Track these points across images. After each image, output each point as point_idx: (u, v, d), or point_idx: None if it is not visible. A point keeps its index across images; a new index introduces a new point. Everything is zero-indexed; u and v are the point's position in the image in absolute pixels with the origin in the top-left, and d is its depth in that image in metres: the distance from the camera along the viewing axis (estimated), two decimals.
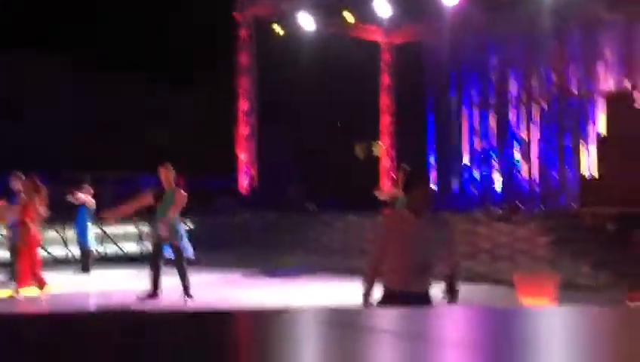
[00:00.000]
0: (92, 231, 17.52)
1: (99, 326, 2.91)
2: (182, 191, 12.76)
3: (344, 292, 14.34)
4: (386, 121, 25.06)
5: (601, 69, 21.36)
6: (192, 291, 12.70)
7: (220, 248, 18.77)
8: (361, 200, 19.13)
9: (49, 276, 13.90)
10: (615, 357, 2.44)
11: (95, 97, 37.31)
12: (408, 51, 24.74)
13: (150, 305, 12.50)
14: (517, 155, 22.88)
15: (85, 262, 17.14)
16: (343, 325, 2.90)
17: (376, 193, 14.01)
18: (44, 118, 35.89)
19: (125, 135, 38.05)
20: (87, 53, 34.87)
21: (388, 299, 6.08)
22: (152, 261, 13.01)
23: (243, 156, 21.79)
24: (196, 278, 13.34)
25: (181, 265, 12.61)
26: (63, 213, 18.48)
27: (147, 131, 38.10)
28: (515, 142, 22.93)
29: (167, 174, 12.66)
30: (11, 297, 13.07)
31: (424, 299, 6.13)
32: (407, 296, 6.00)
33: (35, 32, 35.24)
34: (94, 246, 17.88)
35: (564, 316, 3.38)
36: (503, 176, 23.03)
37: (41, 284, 13.24)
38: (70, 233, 18.99)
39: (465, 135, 23.99)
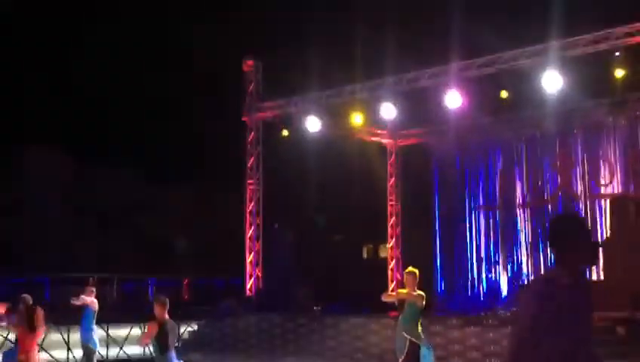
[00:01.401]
0: (96, 332, 17.30)
1: None
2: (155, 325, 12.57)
3: None
4: (392, 222, 25.09)
5: (605, 171, 21.45)
6: None
7: (224, 351, 18.57)
8: (368, 303, 18.97)
9: None
10: None
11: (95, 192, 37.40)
12: (414, 153, 24.96)
13: None
14: (523, 256, 22.78)
15: None
16: None
17: (384, 296, 13.84)
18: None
19: (127, 234, 38.10)
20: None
21: None
22: None
23: (249, 257, 21.76)
24: None
25: None
26: (67, 316, 18.38)
27: (150, 230, 38.16)
28: (520, 244, 22.86)
29: (158, 310, 12.54)
30: None
31: None
32: None
33: (37, 126, 35.55)
34: (97, 348, 17.63)
35: None
36: (508, 277, 22.88)
37: None
38: (73, 335, 18.79)
39: (471, 236, 23.94)
